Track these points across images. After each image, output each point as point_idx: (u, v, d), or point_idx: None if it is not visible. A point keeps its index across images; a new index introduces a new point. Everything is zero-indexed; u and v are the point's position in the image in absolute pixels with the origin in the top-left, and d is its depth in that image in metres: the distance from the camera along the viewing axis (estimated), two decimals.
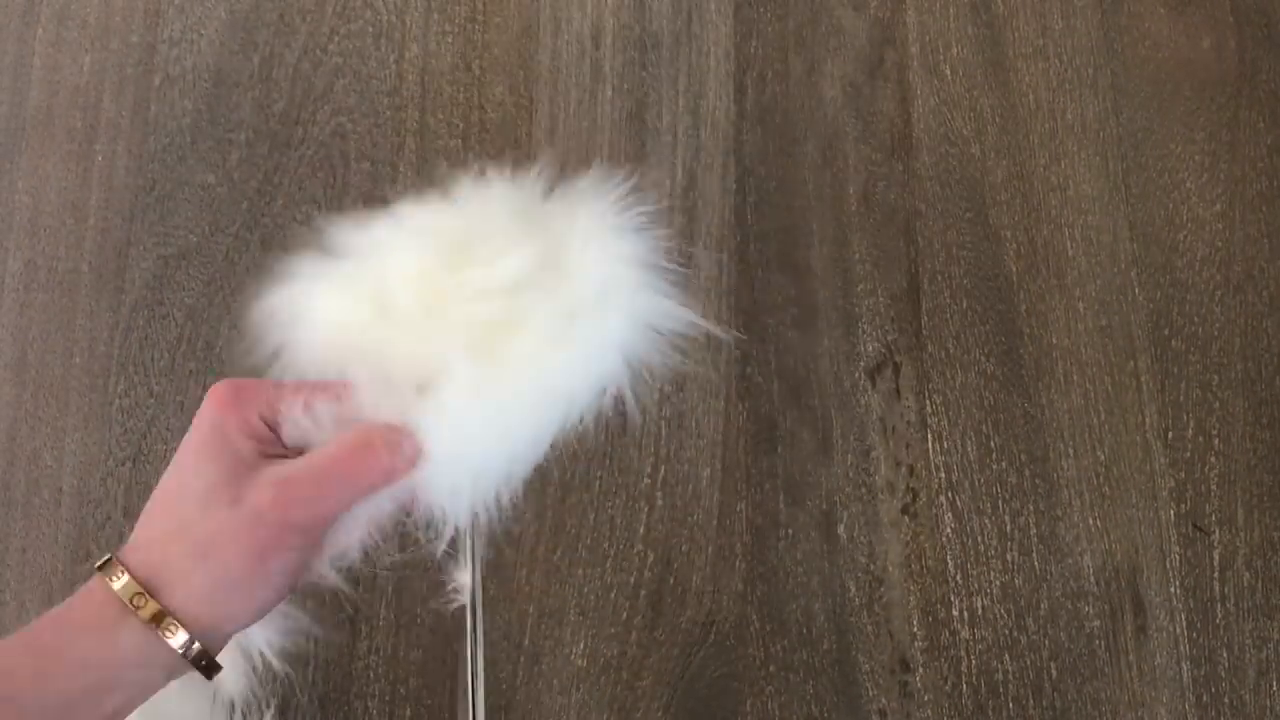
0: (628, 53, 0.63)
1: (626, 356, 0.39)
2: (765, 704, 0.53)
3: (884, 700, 0.53)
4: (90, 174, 0.66)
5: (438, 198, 0.42)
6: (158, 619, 0.36)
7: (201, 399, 0.62)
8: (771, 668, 0.54)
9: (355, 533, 0.40)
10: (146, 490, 0.60)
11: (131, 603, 0.36)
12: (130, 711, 0.37)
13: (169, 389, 0.61)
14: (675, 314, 0.40)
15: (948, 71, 0.61)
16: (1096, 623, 0.53)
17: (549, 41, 0.64)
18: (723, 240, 0.60)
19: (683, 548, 0.56)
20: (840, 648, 0.54)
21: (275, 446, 0.39)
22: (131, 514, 0.60)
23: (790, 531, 0.55)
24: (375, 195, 0.63)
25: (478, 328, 0.38)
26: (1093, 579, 0.53)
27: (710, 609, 0.55)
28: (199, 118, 0.66)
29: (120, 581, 0.36)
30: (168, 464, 0.61)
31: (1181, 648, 0.53)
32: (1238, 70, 0.59)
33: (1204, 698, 0.52)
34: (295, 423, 0.39)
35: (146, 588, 0.36)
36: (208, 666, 0.37)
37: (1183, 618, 0.53)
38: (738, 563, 0.55)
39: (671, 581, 0.55)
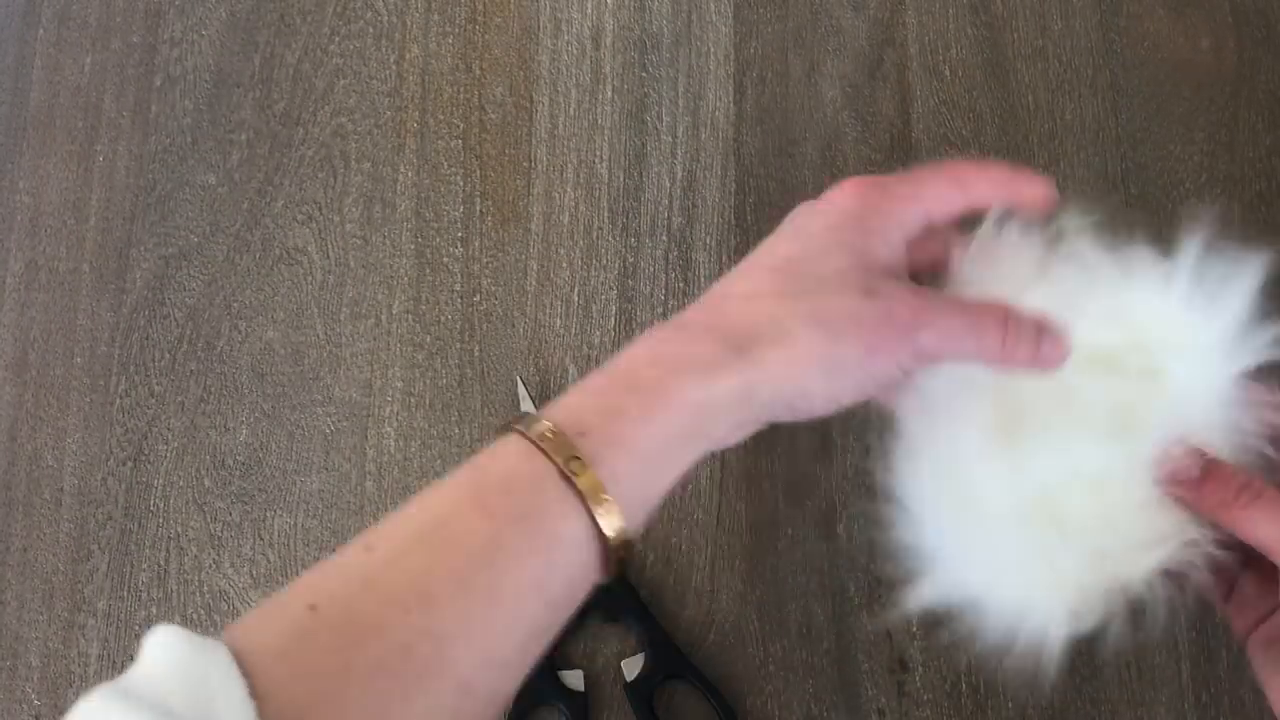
0: (628, 53, 0.64)
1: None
2: (765, 704, 0.53)
3: (883, 700, 0.53)
4: (91, 174, 0.66)
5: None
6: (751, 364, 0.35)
7: (202, 399, 0.63)
8: (771, 668, 0.54)
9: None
10: (148, 490, 0.60)
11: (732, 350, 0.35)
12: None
13: (170, 389, 0.61)
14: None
15: (947, 72, 0.61)
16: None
17: (549, 42, 0.64)
18: (723, 240, 0.60)
19: (683, 548, 0.56)
20: (840, 648, 0.54)
21: (900, 267, 0.39)
22: (133, 513, 0.60)
23: (790, 531, 0.55)
24: (376, 196, 0.63)
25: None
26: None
27: (710, 609, 0.55)
28: (200, 118, 0.66)
29: (717, 336, 0.36)
30: (169, 463, 0.61)
31: (1181, 648, 0.53)
32: (1237, 71, 0.59)
33: (1204, 697, 0.52)
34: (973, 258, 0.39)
35: (745, 335, 0.35)
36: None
37: (1182, 617, 0.53)
38: (738, 563, 0.55)
39: (671, 581, 0.55)
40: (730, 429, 0.37)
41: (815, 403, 0.37)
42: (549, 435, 0.34)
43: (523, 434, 0.34)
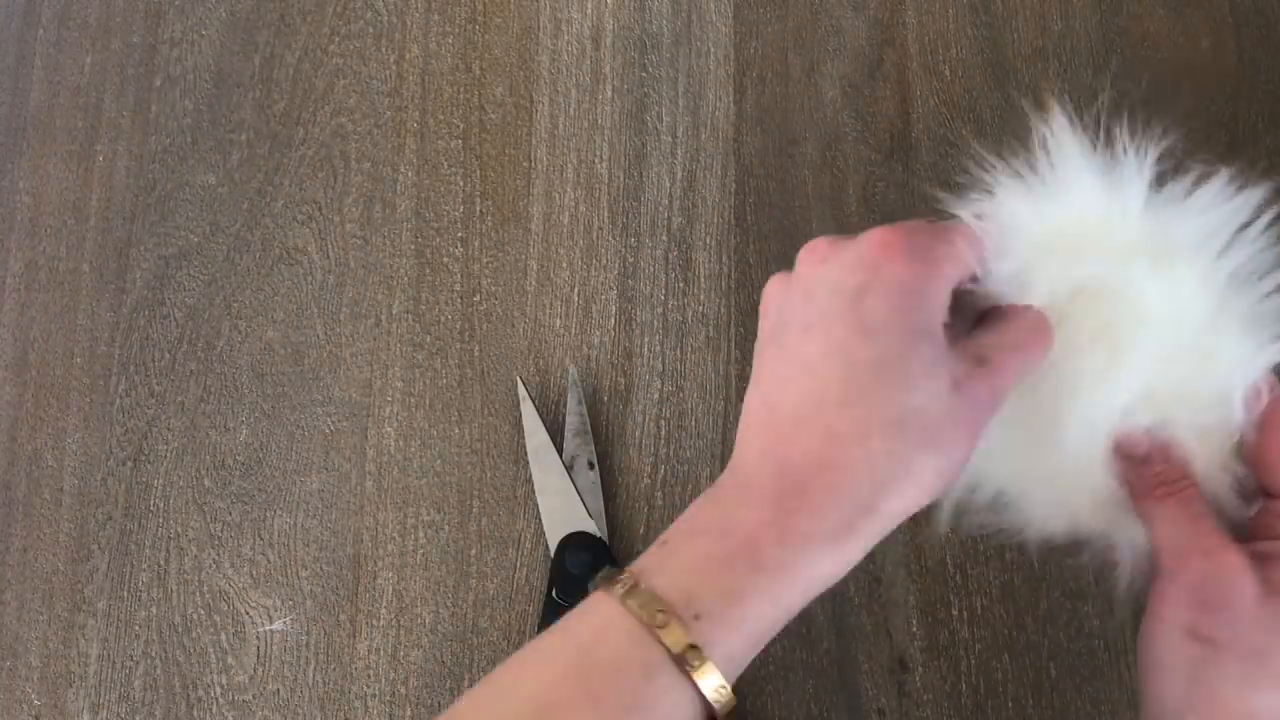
0: (628, 53, 0.64)
1: None
2: (765, 704, 0.53)
3: (883, 700, 0.53)
4: (91, 174, 0.66)
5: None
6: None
7: (201, 399, 0.63)
8: (771, 668, 0.54)
9: None
10: (148, 490, 0.60)
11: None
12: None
13: (170, 389, 0.61)
14: None
15: (947, 72, 0.61)
16: (1096, 622, 0.53)
17: (549, 42, 0.64)
18: (723, 240, 0.60)
19: None
20: (839, 647, 0.54)
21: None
22: (133, 513, 0.60)
23: None
24: (376, 196, 0.63)
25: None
26: (1092, 578, 0.53)
27: None
28: (200, 118, 0.66)
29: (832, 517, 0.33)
30: (169, 463, 0.61)
31: None
32: (1237, 71, 0.59)
33: None
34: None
35: (871, 486, 0.33)
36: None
37: None
38: None
39: None
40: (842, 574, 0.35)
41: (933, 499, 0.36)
42: (660, 615, 0.31)
43: (634, 614, 0.32)
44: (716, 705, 0.32)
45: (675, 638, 0.31)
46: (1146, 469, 0.38)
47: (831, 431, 0.33)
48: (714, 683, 0.32)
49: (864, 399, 0.33)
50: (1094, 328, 0.38)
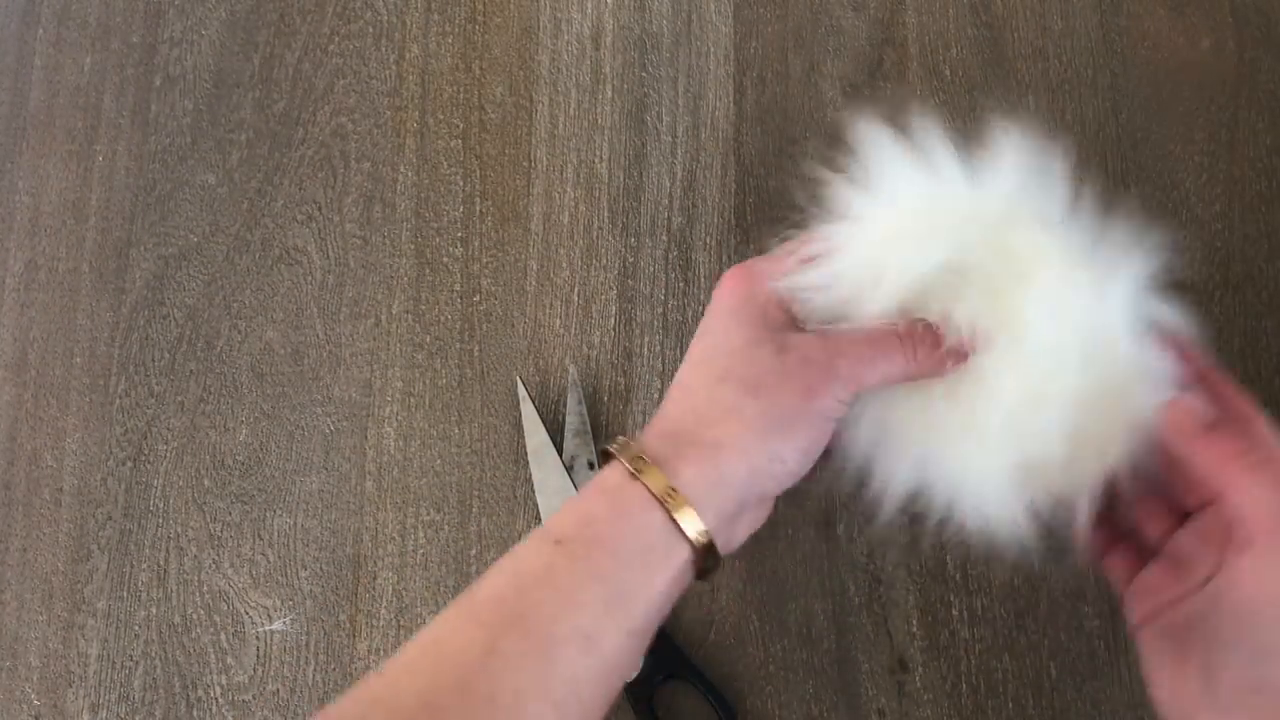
0: (628, 53, 0.64)
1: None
2: (765, 704, 0.54)
3: (883, 700, 0.53)
4: (91, 174, 0.66)
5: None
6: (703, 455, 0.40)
7: (201, 399, 0.63)
8: (771, 668, 0.54)
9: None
10: (148, 490, 0.60)
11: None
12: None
13: (169, 388, 0.61)
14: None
15: (947, 72, 0.61)
16: (1096, 622, 0.53)
17: (549, 42, 0.64)
18: (723, 240, 0.60)
19: None
20: (840, 647, 0.54)
21: (797, 323, 0.43)
22: (133, 513, 0.60)
23: (789, 531, 0.56)
24: (376, 196, 0.63)
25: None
26: (1092, 578, 0.53)
27: (710, 609, 0.55)
28: (199, 118, 0.66)
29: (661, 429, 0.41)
30: (169, 463, 0.61)
31: None
32: (1237, 71, 0.59)
33: None
34: (804, 295, 0.43)
35: (694, 422, 0.40)
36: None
37: None
38: (737, 563, 0.55)
39: None
40: (726, 521, 0.41)
41: (789, 463, 0.41)
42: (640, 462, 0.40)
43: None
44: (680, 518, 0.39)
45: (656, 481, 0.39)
46: (1226, 437, 0.38)
47: (677, 400, 0.42)
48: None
49: (698, 372, 0.42)
50: (967, 308, 0.41)
